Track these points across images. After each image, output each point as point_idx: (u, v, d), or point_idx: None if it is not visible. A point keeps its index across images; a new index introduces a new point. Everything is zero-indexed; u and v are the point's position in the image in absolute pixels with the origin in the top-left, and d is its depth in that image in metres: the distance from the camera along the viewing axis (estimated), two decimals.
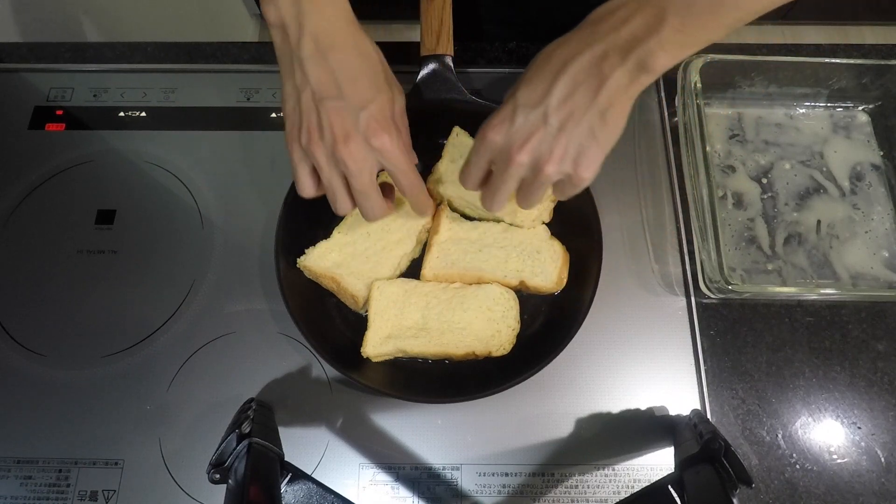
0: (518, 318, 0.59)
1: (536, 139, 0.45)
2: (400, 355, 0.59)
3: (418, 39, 0.66)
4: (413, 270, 0.62)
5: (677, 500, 0.46)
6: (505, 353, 0.58)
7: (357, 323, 0.61)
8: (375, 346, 0.57)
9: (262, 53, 0.76)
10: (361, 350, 0.57)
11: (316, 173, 0.51)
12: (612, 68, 0.43)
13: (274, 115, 0.72)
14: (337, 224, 0.62)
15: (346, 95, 0.48)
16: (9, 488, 0.56)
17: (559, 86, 0.44)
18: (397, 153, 0.50)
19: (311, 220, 0.61)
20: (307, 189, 0.52)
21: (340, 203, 0.52)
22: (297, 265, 0.59)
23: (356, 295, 0.59)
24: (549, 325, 0.60)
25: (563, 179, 0.48)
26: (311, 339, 0.55)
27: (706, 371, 0.60)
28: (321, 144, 0.48)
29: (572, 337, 0.55)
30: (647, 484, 0.49)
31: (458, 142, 0.64)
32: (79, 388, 0.59)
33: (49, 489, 0.56)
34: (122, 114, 0.72)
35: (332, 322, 0.61)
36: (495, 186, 0.50)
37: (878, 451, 0.57)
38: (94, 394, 0.59)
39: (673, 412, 0.58)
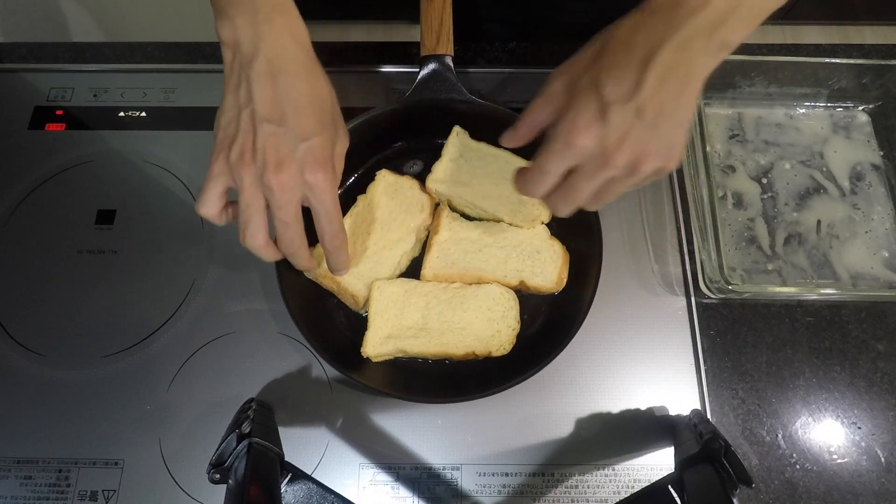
0: (518, 318, 0.59)
1: (633, 137, 0.42)
2: (400, 355, 0.59)
3: (418, 39, 0.66)
4: (413, 270, 0.62)
5: (677, 500, 0.46)
6: (505, 353, 0.58)
7: (357, 323, 0.61)
8: (375, 346, 0.57)
9: None
10: (361, 350, 0.57)
11: (225, 195, 0.49)
12: (699, 52, 0.41)
13: None
14: None
15: (288, 123, 0.46)
16: (9, 488, 0.56)
17: (650, 77, 0.40)
18: (328, 194, 0.48)
19: (310, 220, 0.61)
20: (209, 207, 0.48)
21: (252, 229, 0.48)
22: None
23: (356, 295, 0.59)
24: (549, 325, 0.60)
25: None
26: (311, 339, 0.55)
27: (706, 371, 0.60)
28: (252, 166, 0.46)
29: (572, 337, 0.55)
30: (647, 484, 0.49)
31: (458, 141, 0.64)
32: (79, 388, 0.59)
33: (49, 489, 0.56)
34: (122, 114, 0.72)
35: (332, 322, 0.61)
36: (578, 190, 0.45)
37: (878, 451, 0.57)
38: (94, 394, 0.59)
39: (673, 412, 0.58)
